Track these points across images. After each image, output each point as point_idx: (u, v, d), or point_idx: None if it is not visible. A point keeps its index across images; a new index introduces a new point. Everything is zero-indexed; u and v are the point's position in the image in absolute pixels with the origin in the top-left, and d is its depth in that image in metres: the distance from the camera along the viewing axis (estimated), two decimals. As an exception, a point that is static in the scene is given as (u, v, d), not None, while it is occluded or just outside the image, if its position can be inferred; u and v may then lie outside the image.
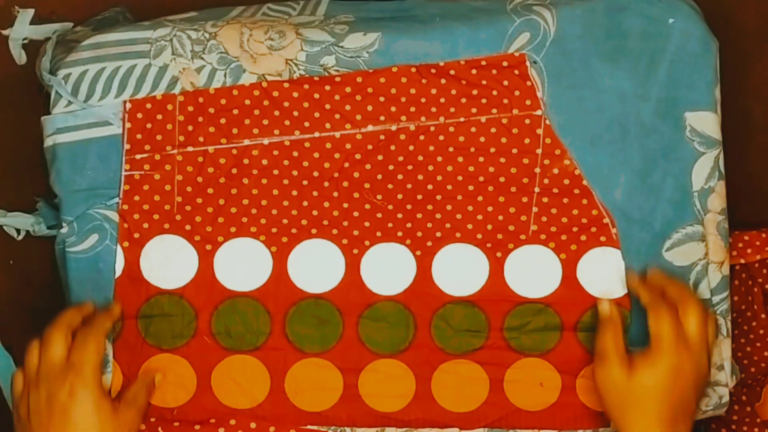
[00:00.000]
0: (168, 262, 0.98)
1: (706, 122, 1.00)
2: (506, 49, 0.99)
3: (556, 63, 0.99)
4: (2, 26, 1.09)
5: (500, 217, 1.00)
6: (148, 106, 0.98)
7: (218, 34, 0.98)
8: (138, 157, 0.98)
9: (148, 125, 0.98)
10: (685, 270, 1.00)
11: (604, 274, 1.00)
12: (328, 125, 0.99)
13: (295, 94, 0.98)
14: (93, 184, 0.98)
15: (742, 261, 1.14)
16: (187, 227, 0.99)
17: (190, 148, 0.98)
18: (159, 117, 0.98)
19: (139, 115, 0.98)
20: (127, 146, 0.98)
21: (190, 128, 0.98)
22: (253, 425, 0.99)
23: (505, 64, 0.99)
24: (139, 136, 0.98)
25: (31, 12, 1.09)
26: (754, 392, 1.14)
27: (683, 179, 1.00)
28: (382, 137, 0.99)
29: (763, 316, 1.14)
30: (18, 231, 1.10)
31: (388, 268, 1.00)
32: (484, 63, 0.99)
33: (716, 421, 1.14)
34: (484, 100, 0.99)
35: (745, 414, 1.14)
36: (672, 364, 0.92)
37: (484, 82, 0.99)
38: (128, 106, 0.98)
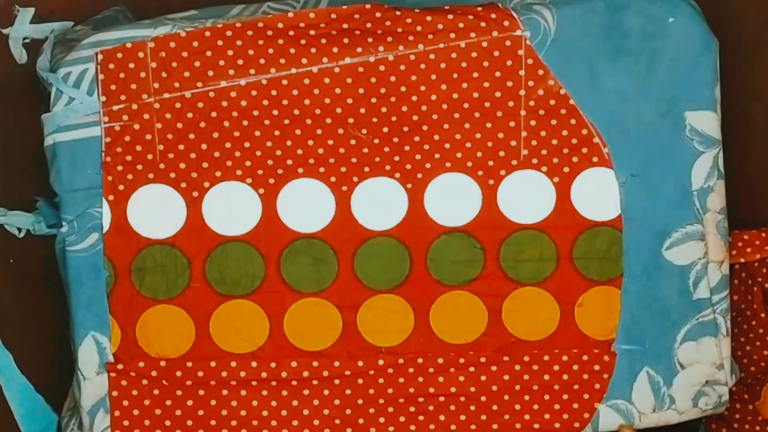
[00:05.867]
0: (156, 211, 0.98)
1: (705, 122, 1.00)
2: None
3: (557, 62, 0.98)
4: (2, 25, 1.09)
5: (489, 144, 0.99)
6: (119, 55, 0.96)
7: (218, 32, 0.98)
8: (115, 108, 0.97)
9: (122, 75, 0.97)
10: (685, 269, 1.00)
11: (597, 195, 0.99)
12: (304, 60, 0.97)
13: (269, 32, 0.97)
14: (93, 183, 0.98)
15: (742, 260, 1.13)
16: (172, 175, 0.98)
17: (166, 95, 0.97)
18: (131, 66, 0.96)
19: (111, 66, 0.96)
20: (103, 98, 0.97)
21: (164, 74, 0.97)
22: (254, 364, 0.99)
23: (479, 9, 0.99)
24: (113, 87, 0.97)
25: (31, 11, 1.09)
26: (754, 391, 1.14)
27: (683, 178, 1.00)
28: (361, 69, 0.98)
29: (762, 315, 1.14)
30: (19, 229, 1.10)
31: (379, 203, 0.99)
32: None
33: (717, 420, 1.14)
34: (461, 25, 0.97)
35: (746, 413, 1.14)
36: None
37: (459, 11, 0.98)
38: (99, 57, 0.96)
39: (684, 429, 1.09)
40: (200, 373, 0.99)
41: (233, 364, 0.99)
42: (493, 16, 0.97)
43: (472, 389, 1.00)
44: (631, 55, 0.99)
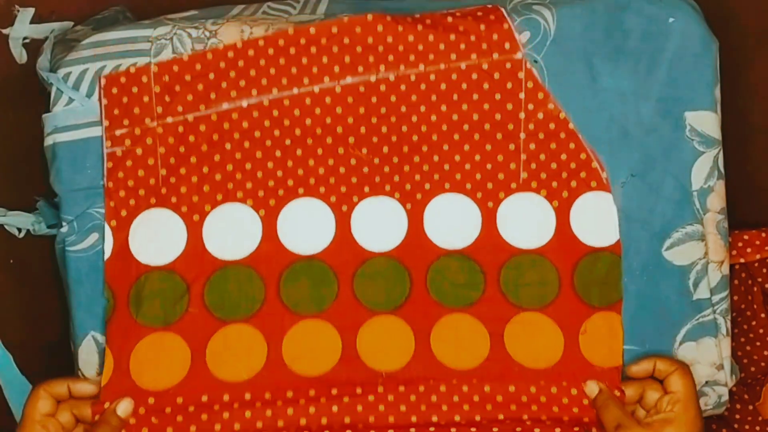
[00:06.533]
0: (157, 236, 0.98)
1: (705, 122, 1.00)
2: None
3: (557, 62, 0.98)
4: (2, 25, 1.09)
5: (489, 166, 0.99)
6: (123, 80, 0.96)
7: (219, 32, 0.97)
8: (118, 132, 0.97)
9: (125, 99, 0.96)
10: (685, 269, 1.00)
11: (596, 220, 0.99)
12: (306, 80, 0.97)
13: (271, 51, 0.97)
14: (93, 183, 0.98)
15: (742, 260, 1.14)
16: (173, 199, 0.97)
17: (169, 119, 0.97)
18: (134, 90, 0.96)
19: (114, 90, 0.96)
20: (105, 123, 0.96)
21: (167, 99, 0.96)
22: (247, 396, 0.96)
23: (479, 14, 0.97)
24: (116, 112, 0.96)
25: (31, 11, 1.09)
26: (754, 391, 1.14)
27: (683, 179, 1.00)
28: (362, 89, 0.97)
29: (762, 315, 1.14)
30: (19, 229, 1.10)
31: (379, 224, 0.99)
32: (458, 14, 0.98)
33: (717, 420, 1.14)
34: (462, 46, 0.97)
35: (747, 413, 1.14)
36: (698, 423, 0.94)
37: (461, 29, 0.97)
38: (103, 82, 0.96)
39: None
40: (191, 408, 0.96)
41: (226, 397, 0.96)
42: (495, 37, 0.97)
43: (477, 418, 0.97)
44: (631, 55, 0.99)
